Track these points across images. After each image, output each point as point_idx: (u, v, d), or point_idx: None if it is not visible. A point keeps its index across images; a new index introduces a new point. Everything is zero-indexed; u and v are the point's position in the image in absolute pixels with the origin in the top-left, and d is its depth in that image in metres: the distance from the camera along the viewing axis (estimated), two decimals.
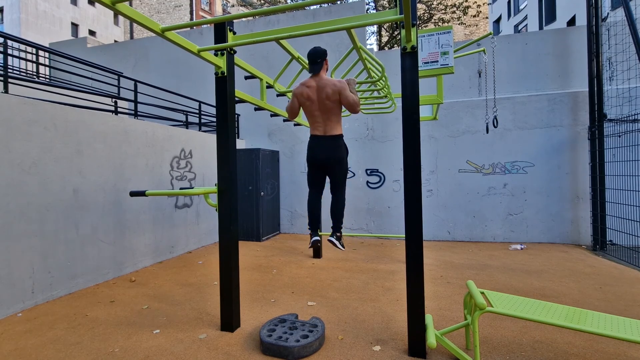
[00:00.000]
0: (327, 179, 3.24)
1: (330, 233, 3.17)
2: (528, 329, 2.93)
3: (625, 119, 5.46)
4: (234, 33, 3.11)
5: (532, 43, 7.05)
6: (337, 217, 3.14)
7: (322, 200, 3.29)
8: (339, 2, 12.08)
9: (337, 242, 3.08)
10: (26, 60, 4.42)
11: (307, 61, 3.44)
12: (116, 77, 6.48)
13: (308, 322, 2.88)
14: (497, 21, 26.20)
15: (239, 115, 7.87)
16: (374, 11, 15.62)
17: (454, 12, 15.19)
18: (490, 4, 26.09)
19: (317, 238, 3.15)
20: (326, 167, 3.08)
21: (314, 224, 3.21)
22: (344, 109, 3.27)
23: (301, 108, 3.16)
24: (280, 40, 2.79)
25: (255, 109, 4.30)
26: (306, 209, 7.38)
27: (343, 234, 3.44)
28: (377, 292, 3.91)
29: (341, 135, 3.07)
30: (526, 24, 21.02)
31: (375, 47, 16.37)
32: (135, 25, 17.17)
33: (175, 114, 7.47)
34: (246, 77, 3.88)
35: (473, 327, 2.29)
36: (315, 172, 3.16)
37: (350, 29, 2.49)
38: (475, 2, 18.19)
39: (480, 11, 16.11)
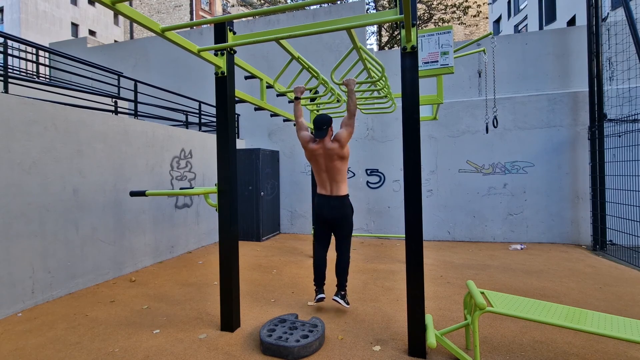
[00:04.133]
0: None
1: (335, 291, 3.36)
2: (528, 329, 2.93)
3: (625, 119, 5.45)
4: (234, 33, 3.11)
5: (532, 43, 7.05)
6: (341, 275, 3.29)
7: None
8: (339, 2, 12.07)
9: (341, 301, 3.22)
10: (26, 60, 4.42)
11: (307, 61, 3.45)
12: (116, 77, 6.47)
13: (308, 322, 2.88)
14: (497, 21, 26.20)
15: (239, 115, 7.87)
16: (374, 11, 15.61)
17: (454, 12, 15.18)
18: (490, 4, 26.09)
19: (323, 296, 3.26)
20: (332, 224, 3.26)
21: (319, 280, 3.33)
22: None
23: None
24: (280, 40, 2.79)
25: (255, 109, 4.30)
26: (305, 209, 7.43)
27: None
28: (377, 292, 3.91)
29: (347, 195, 3.25)
30: (526, 24, 21.01)
31: (375, 47, 16.37)
32: (135, 25, 17.17)
33: (175, 114, 7.47)
34: (246, 77, 3.88)
35: (473, 327, 2.29)
36: (322, 228, 3.33)
37: (350, 29, 2.49)
38: (475, 2, 18.18)
39: (480, 11, 16.10)
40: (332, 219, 3.22)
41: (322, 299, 3.24)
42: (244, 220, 6.86)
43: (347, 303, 3.27)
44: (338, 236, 3.30)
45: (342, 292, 3.26)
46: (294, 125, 5.70)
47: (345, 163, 3.20)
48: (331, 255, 3.51)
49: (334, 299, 3.22)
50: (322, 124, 3.17)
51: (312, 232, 3.47)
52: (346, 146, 3.13)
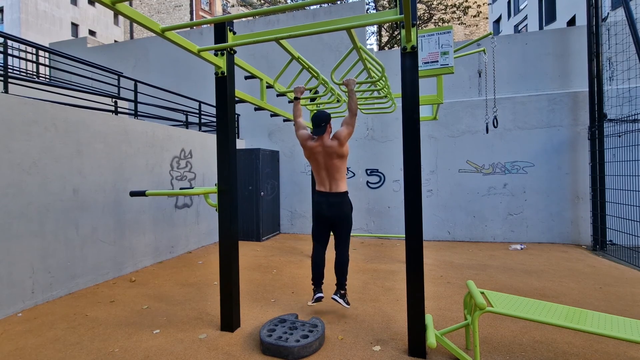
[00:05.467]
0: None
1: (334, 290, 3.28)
2: (528, 329, 2.93)
3: (625, 119, 5.46)
4: (234, 33, 3.11)
5: (532, 43, 7.05)
6: (340, 273, 3.23)
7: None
8: (339, 2, 12.07)
9: (340, 300, 3.16)
10: (26, 60, 4.42)
11: (307, 61, 3.45)
12: (116, 77, 6.47)
13: (308, 322, 2.88)
14: (497, 21, 26.20)
15: (239, 115, 7.87)
16: (374, 11, 15.61)
17: (454, 12, 15.18)
18: (490, 4, 26.09)
19: (321, 295, 3.20)
20: (331, 222, 3.22)
21: (317, 279, 3.27)
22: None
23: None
24: (280, 40, 2.79)
25: (255, 109, 4.30)
26: (305, 209, 7.43)
27: None
28: (377, 292, 3.91)
29: (346, 192, 3.21)
30: (526, 24, 21.01)
31: (375, 47, 16.37)
32: (135, 25, 17.17)
33: (175, 114, 7.47)
34: (246, 77, 3.88)
35: (473, 327, 2.29)
36: (321, 226, 3.28)
37: (350, 29, 2.49)
38: (475, 2, 18.18)
39: (480, 11, 16.10)
40: (331, 216, 3.18)
41: (320, 299, 3.16)
42: (244, 220, 6.86)
43: (348, 303, 3.20)
44: (337, 234, 3.25)
45: (342, 292, 3.20)
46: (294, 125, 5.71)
47: (345, 161, 3.17)
48: (329, 258, 3.49)
49: (333, 298, 3.16)
50: (320, 121, 3.13)
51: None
52: (345, 145, 3.10)
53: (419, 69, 2.99)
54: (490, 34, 4.56)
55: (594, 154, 5.85)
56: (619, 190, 5.39)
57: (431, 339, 2.34)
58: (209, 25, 10.14)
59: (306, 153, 3.26)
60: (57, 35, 24.46)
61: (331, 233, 3.34)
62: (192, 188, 3.46)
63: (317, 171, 3.24)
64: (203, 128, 7.29)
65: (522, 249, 5.93)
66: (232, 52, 3.07)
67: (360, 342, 2.77)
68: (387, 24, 14.73)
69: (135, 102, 5.48)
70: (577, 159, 6.25)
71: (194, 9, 30.89)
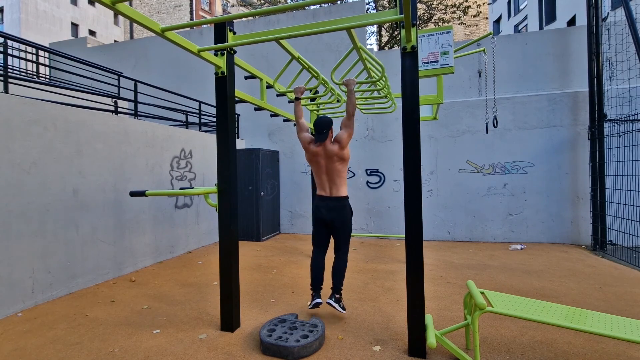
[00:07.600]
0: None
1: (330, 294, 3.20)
2: (528, 329, 2.93)
3: (625, 119, 5.45)
4: (234, 33, 3.11)
5: (532, 43, 7.05)
6: (337, 277, 3.19)
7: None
8: (339, 2, 12.08)
9: (335, 305, 3.07)
10: (26, 60, 4.42)
11: (307, 61, 3.45)
12: (116, 77, 6.47)
13: (308, 322, 2.88)
14: (497, 21, 26.20)
15: (239, 115, 7.87)
16: (374, 11, 15.61)
17: (454, 12, 15.18)
18: (490, 4, 26.09)
19: (319, 300, 3.12)
20: (331, 227, 3.21)
21: (316, 284, 3.21)
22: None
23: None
24: (280, 40, 2.79)
25: (255, 109, 4.30)
26: (305, 209, 7.42)
27: None
28: (377, 292, 3.91)
29: (346, 197, 3.20)
30: (526, 24, 21.02)
31: (375, 47, 16.37)
32: (135, 25, 17.17)
33: (175, 114, 7.47)
34: (246, 77, 3.88)
35: (473, 327, 2.29)
36: (321, 231, 3.27)
37: (350, 29, 2.49)
38: (475, 2, 18.18)
39: (480, 11, 16.09)
40: (331, 220, 3.17)
41: (318, 304, 3.09)
42: (244, 220, 6.86)
43: (343, 308, 3.11)
44: (336, 239, 3.25)
45: (337, 296, 3.13)
46: (294, 125, 5.72)
47: (346, 165, 3.18)
48: (329, 265, 3.48)
49: (327, 302, 3.08)
50: (322, 127, 3.14)
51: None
52: (347, 148, 3.11)
53: (419, 69, 2.99)
54: (490, 34, 4.56)
55: (594, 154, 5.85)
56: (619, 190, 5.39)
57: (431, 339, 2.34)
58: (209, 25, 10.14)
59: (308, 156, 3.27)
60: (57, 35, 24.46)
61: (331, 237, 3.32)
62: (192, 188, 3.46)
63: (317, 175, 3.24)
64: (203, 128, 7.29)
65: (522, 249, 5.93)
66: (232, 52, 3.07)
67: (360, 342, 2.77)
68: (387, 24, 14.73)
69: (135, 102, 5.48)
70: (577, 159, 6.25)
71: (194, 9, 30.89)
